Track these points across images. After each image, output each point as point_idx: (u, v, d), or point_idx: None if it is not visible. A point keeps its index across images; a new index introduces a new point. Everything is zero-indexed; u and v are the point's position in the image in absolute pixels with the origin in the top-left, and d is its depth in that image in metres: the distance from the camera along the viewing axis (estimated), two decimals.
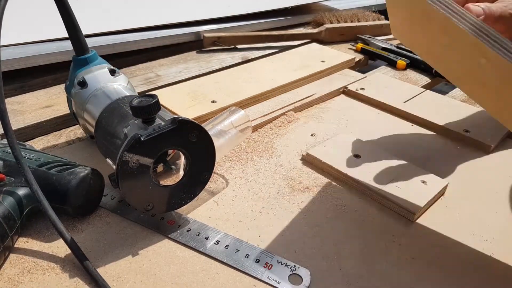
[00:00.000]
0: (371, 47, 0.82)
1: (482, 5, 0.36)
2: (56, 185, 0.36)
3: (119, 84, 0.44)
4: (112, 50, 0.71)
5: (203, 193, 0.42)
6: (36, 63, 0.64)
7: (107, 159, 0.38)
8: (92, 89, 0.43)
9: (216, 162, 0.39)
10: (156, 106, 0.34)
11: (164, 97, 0.57)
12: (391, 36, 0.91)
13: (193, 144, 0.36)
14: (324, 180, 0.46)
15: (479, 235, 0.39)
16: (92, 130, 0.42)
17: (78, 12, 0.43)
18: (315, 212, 0.41)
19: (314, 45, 0.82)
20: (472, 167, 0.49)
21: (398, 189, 0.42)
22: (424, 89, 0.66)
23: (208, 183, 0.40)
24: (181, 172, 0.38)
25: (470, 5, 0.36)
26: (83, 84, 0.44)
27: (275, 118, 0.57)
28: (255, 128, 0.55)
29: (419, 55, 0.45)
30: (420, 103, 0.61)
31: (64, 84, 0.47)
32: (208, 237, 0.37)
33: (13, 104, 0.57)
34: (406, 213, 0.40)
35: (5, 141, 0.41)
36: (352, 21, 0.92)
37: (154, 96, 0.34)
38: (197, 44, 0.81)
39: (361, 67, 0.81)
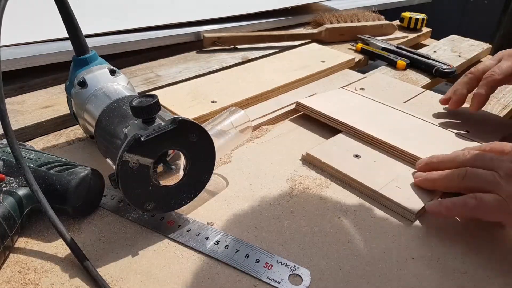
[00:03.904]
0: (371, 47, 0.82)
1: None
2: (56, 185, 0.36)
3: (119, 84, 0.44)
4: (112, 50, 0.71)
5: (203, 193, 0.42)
6: (36, 63, 0.64)
7: (107, 159, 0.38)
8: (92, 89, 0.43)
9: (216, 162, 0.39)
10: (156, 106, 0.34)
11: (164, 97, 0.57)
12: (391, 36, 0.92)
13: (193, 144, 0.36)
14: (324, 180, 0.46)
15: (480, 235, 0.39)
16: (92, 130, 0.42)
17: (78, 12, 0.43)
18: (315, 212, 0.41)
19: (314, 45, 0.82)
20: None
21: (398, 189, 0.43)
22: (424, 89, 0.66)
23: (208, 183, 0.40)
24: (181, 172, 0.38)
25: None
26: (83, 84, 0.44)
27: (275, 118, 0.57)
28: (255, 128, 0.55)
29: None
30: (420, 103, 0.61)
31: (64, 84, 0.47)
32: (208, 237, 0.37)
33: (13, 104, 0.57)
34: (406, 213, 0.40)
35: (5, 141, 0.41)
36: (352, 21, 0.92)
37: (154, 96, 0.34)
38: (197, 44, 0.81)
39: (361, 67, 0.82)
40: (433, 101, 0.62)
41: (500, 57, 0.53)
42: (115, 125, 0.38)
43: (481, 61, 0.88)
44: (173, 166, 0.37)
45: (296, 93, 0.63)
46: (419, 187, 0.43)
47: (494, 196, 0.36)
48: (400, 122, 0.54)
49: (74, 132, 0.53)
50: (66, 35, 0.43)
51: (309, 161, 0.49)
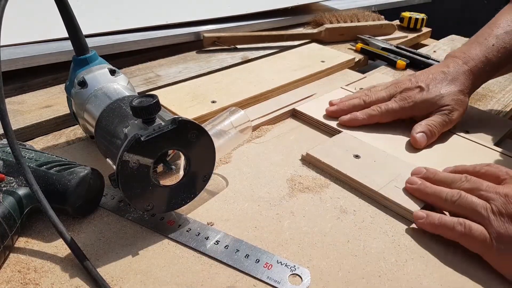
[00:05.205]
0: (371, 47, 0.82)
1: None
2: (56, 185, 0.36)
3: (119, 84, 0.44)
4: (112, 50, 0.71)
5: (203, 193, 0.42)
6: (36, 63, 0.64)
7: (107, 159, 0.38)
8: (92, 89, 0.43)
9: (216, 162, 0.39)
10: (156, 106, 0.34)
11: (164, 97, 0.57)
12: (390, 36, 0.92)
13: (193, 144, 0.36)
14: (324, 180, 0.46)
15: None
16: (92, 130, 0.42)
17: (78, 12, 0.43)
18: (315, 212, 0.41)
19: (314, 45, 0.82)
20: None
21: (398, 189, 0.43)
22: None
23: (208, 183, 0.40)
24: (181, 172, 0.38)
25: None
26: (83, 84, 0.44)
27: (275, 118, 0.57)
28: (255, 128, 0.55)
29: None
30: None
31: (64, 84, 0.47)
32: (208, 237, 0.37)
33: (13, 104, 0.57)
34: (405, 213, 0.41)
35: (5, 141, 0.41)
36: (352, 21, 0.92)
37: (154, 96, 0.34)
38: (197, 44, 0.81)
39: (361, 67, 0.82)
40: None
41: (393, 93, 0.54)
42: (115, 125, 0.38)
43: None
44: (173, 166, 0.37)
45: (296, 93, 0.63)
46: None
47: (482, 230, 0.35)
48: (399, 123, 0.54)
49: (74, 132, 0.53)
50: (66, 35, 0.43)
51: (309, 161, 0.49)
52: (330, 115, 0.56)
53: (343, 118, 0.54)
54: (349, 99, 0.57)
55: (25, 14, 0.75)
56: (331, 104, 0.58)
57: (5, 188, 0.36)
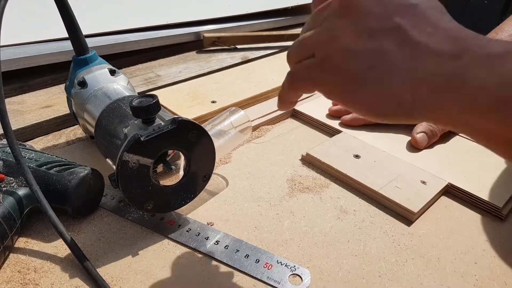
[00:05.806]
0: None
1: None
2: (56, 185, 0.36)
3: (119, 84, 0.45)
4: (112, 50, 0.71)
5: (203, 193, 0.42)
6: (36, 63, 0.64)
7: (107, 159, 0.38)
8: (92, 89, 0.43)
9: (216, 162, 0.39)
10: (156, 106, 0.34)
11: (164, 97, 0.57)
12: None
13: (193, 144, 0.36)
14: (324, 180, 0.46)
15: (479, 235, 0.39)
16: (92, 130, 0.42)
17: (78, 12, 0.43)
18: (315, 212, 0.41)
19: None
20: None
21: (398, 189, 0.43)
22: None
23: (208, 183, 0.40)
24: (181, 172, 0.38)
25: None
26: (83, 84, 0.44)
27: (275, 118, 0.57)
28: (255, 128, 0.55)
29: None
30: None
31: (64, 84, 0.47)
32: (208, 237, 0.37)
33: (13, 104, 0.57)
34: (406, 213, 0.40)
35: (5, 141, 0.41)
36: None
37: (154, 96, 0.34)
38: (197, 44, 0.81)
39: None
40: None
41: None
42: (115, 125, 0.38)
43: None
44: (173, 166, 0.37)
45: None
46: (418, 188, 0.43)
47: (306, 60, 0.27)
48: (400, 124, 0.54)
49: (74, 132, 0.53)
50: (66, 35, 0.44)
51: (309, 161, 0.48)
52: (332, 114, 0.56)
53: (345, 117, 0.54)
54: None
55: (25, 14, 0.75)
56: (334, 103, 0.58)
57: (5, 188, 0.36)
